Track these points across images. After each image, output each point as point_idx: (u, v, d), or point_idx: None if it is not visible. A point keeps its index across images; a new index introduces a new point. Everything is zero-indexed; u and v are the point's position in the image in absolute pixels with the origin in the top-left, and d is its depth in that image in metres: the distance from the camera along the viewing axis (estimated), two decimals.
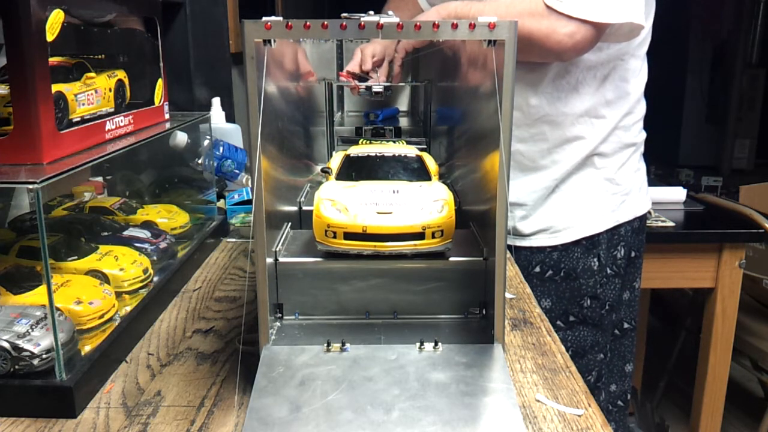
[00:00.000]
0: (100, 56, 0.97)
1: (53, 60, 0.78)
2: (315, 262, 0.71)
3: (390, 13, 0.68)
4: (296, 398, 0.60)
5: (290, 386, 0.61)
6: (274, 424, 0.57)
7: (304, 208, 0.87)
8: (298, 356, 0.65)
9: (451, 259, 0.71)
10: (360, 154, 0.79)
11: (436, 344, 0.66)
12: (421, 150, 0.82)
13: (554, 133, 1.23)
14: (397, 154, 0.79)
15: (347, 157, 0.79)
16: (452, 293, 0.72)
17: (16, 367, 0.66)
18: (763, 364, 2.15)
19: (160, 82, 1.04)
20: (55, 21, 0.73)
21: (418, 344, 0.66)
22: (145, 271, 0.89)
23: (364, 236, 0.67)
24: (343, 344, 0.66)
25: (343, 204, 0.68)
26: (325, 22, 0.59)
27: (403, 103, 1.50)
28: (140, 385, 0.72)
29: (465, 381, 0.62)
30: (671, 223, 1.84)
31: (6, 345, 0.65)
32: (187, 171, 1.22)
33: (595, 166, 1.25)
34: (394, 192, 0.71)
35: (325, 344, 0.66)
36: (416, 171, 0.77)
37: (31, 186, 0.64)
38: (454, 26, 0.59)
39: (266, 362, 0.64)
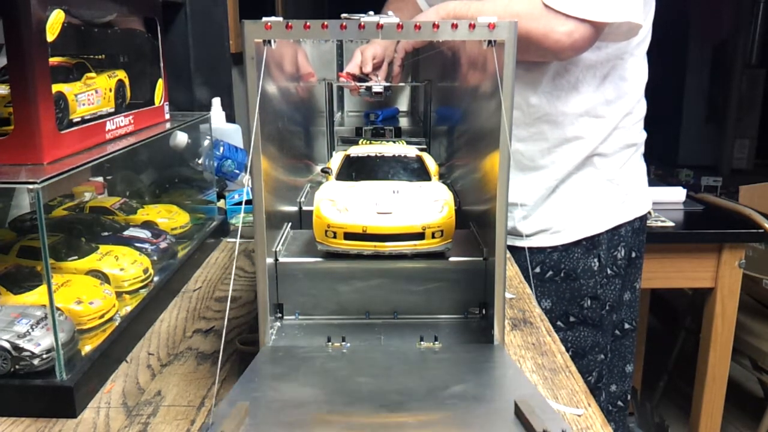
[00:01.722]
0: (100, 56, 0.97)
1: (53, 60, 0.78)
2: (315, 262, 0.71)
3: (390, 13, 0.68)
4: (296, 365, 0.61)
5: (291, 360, 0.63)
6: (271, 377, 0.58)
7: (304, 208, 0.87)
8: (299, 348, 0.66)
9: (451, 259, 0.71)
10: (360, 154, 0.79)
11: (435, 339, 0.66)
12: (421, 150, 0.82)
13: (554, 132, 1.23)
14: (397, 154, 0.79)
15: (347, 157, 0.79)
16: (452, 293, 0.72)
17: (17, 367, 0.66)
18: (763, 364, 2.15)
19: (160, 83, 1.04)
20: (55, 21, 0.73)
21: (417, 340, 0.67)
22: (146, 271, 0.89)
23: (364, 236, 0.67)
24: (344, 339, 0.66)
25: (343, 204, 0.68)
26: (325, 23, 0.59)
27: (403, 103, 1.51)
28: (140, 385, 0.72)
29: (465, 360, 0.64)
30: (671, 223, 1.84)
31: (6, 345, 0.65)
32: (188, 171, 1.22)
33: (596, 166, 1.25)
34: (394, 192, 0.71)
35: (326, 339, 0.66)
36: (416, 171, 0.77)
37: (31, 186, 0.64)
38: (454, 26, 0.60)
39: (266, 351, 0.65)
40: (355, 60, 1.21)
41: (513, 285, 1.00)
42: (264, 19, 0.59)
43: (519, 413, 0.51)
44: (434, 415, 0.54)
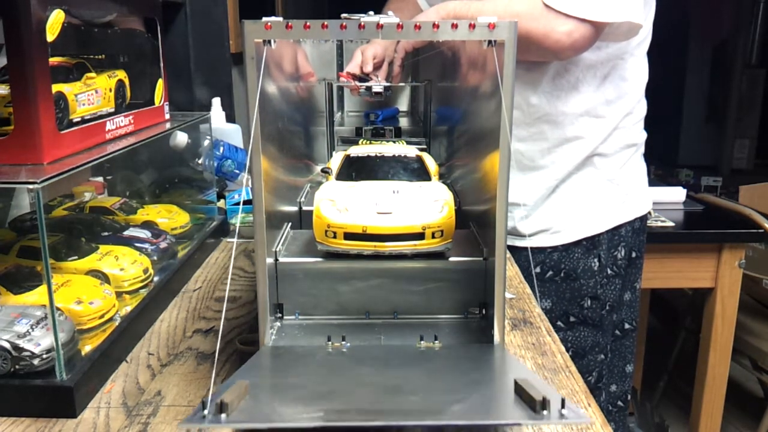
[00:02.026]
0: (100, 56, 0.97)
1: (53, 60, 0.78)
2: (315, 262, 0.71)
3: (390, 13, 0.68)
4: (296, 360, 0.62)
5: (291, 355, 0.63)
6: (271, 367, 0.59)
7: (304, 208, 0.87)
8: (299, 347, 0.66)
9: (451, 259, 0.71)
10: (360, 154, 0.79)
11: (435, 339, 0.66)
12: (421, 150, 0.82)
13: (554, 132, 1.23)
14: (397, 154, 0.79)
15: (347, 157, 0.79)
16: (452, 293, 0.72)
17: (17, 367, 0.66)
18: (763, 364, 2.15)
19: (160, 83, 1.04)
20: (55, 21, 0.73)
21: (417, 340, 0.67)
22: (146, 271, 0.89)
23: (364, 236, 0.67)
24: (343, 338, 0.66)
25: (343, 204, 0.68)
26: (325, 23, 0.59)
27: (403, 103, 1.51)
28: (140, 385, 0.72)
29: (465, 357, 0.64)
30: (671, 223, 1.84)
31: (6, 345, 0.65)
32: (188, 171, 1.22)
33: (596, 166, 1.25)
34: (394, 192, 0.71)
35: (326, 338, 0.66)
36: (416, 171, 0.77)
37: (31, 186, 0.64)
38: (454, 26, 0.59)
39: (266, 350, 0.65)
40: (356, 60, 1.21)
41: (513, 285, 1.00)
42: (264, 19, 0.59)
43: (519, 390, 0.51)
44: (435, 395, 0.54)
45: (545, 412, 0.47)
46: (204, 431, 0.49)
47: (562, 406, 0.48)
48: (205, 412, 0.47)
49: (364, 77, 1.18)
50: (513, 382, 0.52)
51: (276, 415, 0.50)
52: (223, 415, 0.47)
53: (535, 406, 0.48)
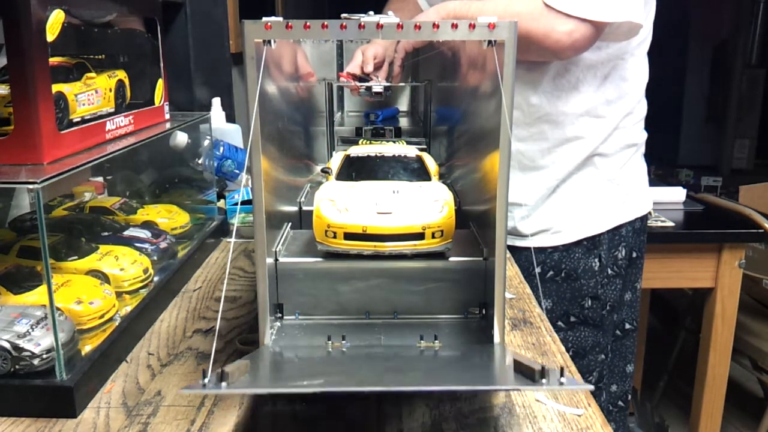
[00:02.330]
0: (100, 56, 0.97)
1: (53, 60, 0.78)
2: (315, 262, 0.71)
3: (390, 13, 0.68)
4: (297, 356, 0.63)
5: (293, 351, 0.64)
6: (271, 358, 0.59)
7: (304, 208, 0.87)
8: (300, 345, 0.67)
9: (451, 259, 0.71)
10: (360, 154, 0.79)
11: (435, 338, 0.66)
12: (421, 150, 0.82)
13: (554, 132, 1.23)
14: (397, 154, 0.79)
15: (347, 157, 0.79)
16: (452, 293, 0.72)
17: (17, 367, 0.66)
18: (763, 364, 2.15)
19: (160, 83, 1.04)
20: (55, 21, 0.73)
21: (417, 339, 0.67)
22: (146, 271, 0.89)
23: (364, 236, 0.67)
24: (343, 338, 0.66)
25: (343, 204, 0.68)
26: (325, 23, 0.59)
27: (403, 103, 1.50)
28: (140, 385, 0.72)
29: (464, 353, 0.65)
30: (671, 223, 1.84)
31: (6, 345, 0.65)
32: (188, 171, 1.22)
33: (596, 166, 1.25)
34: (394, 192, 0.71)
35: (326, 338, 0.66)
36: (416, 171, 0.77)
37: (31, 186, 0.64)
38: (454, 26, 0.59)
39: (265, 348, 0.65)
40: (356, 60, 1.21)
41: (513, 285, 1.00)
42: (264, 19, 0.59)
43: (519, 367, 0.51)
44: (437, 374, 0.54)
45: (544, 380, 0.48)
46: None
47: (561, 375, 0.48)
48: (206, 380, 0.47)
49: (364, 77, 1.18)
50: (512, 360, 0.53)
51: (276, 383, 0.50)
52: (224, 383, 0.48)
53: (534, 375, 0.48)
